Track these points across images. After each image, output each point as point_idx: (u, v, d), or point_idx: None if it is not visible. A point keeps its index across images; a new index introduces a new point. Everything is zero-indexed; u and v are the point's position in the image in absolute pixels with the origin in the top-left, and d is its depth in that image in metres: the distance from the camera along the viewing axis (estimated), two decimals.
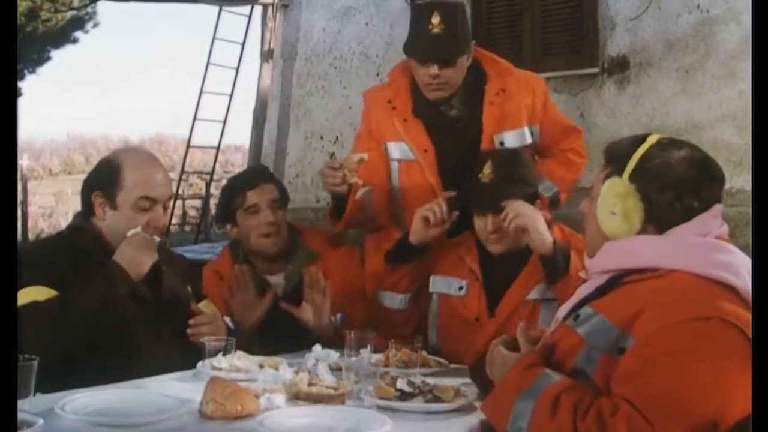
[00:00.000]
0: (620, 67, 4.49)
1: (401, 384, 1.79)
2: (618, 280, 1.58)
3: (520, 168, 2.51)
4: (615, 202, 1.58)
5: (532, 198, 2.48)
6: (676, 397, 1.37)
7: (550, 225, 2.47)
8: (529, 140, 2.78)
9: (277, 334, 2.47)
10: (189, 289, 2.40)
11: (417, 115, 2.75)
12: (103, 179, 2.20)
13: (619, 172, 1.60)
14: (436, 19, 2.58)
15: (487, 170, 2.46)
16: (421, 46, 2.67)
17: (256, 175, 2.72)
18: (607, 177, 1.63)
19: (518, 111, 2.74)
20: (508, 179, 2.44)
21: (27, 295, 2.01)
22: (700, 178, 1.58)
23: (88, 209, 2.23)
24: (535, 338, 1.70)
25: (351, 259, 2.77)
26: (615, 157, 1.65)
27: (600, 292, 1.58)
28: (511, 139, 2.74)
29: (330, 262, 2.66)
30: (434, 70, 2.62)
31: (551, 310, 2.34)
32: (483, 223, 2.44)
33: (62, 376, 1.86)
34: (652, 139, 1.64)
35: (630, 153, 1.61)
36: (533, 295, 2.41)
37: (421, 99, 2.74)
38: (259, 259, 2.66)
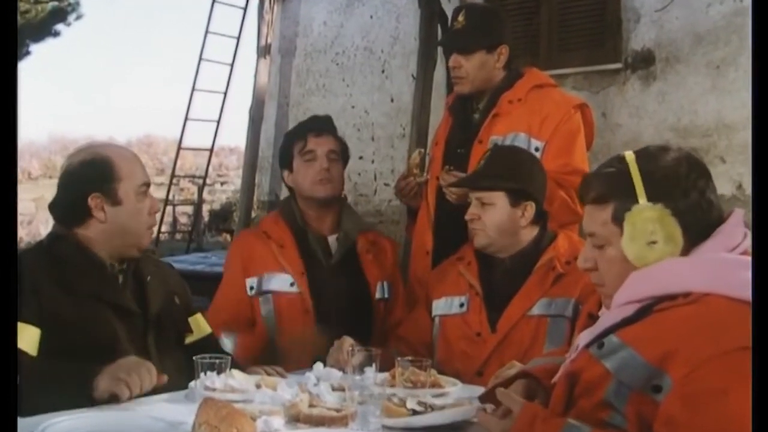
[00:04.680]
0: (645, 62, 4.48)
1: (411, 403, 1.77)
2: (647, 308, 1.55)
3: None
4: (653, 229, 1.55)
5: (517, 197, 2.46)
6: None
7: (556, 235, 2.51)
8: (530, 148, 2.81)
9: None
10: (177, 300, 2.40)
11: (451, 113, 3.13)
12: (98, 178, 2.21)
13: (631, 201, 1.57)
14: (461, 17, 3.01)
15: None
16: (445, 37, 3.20)
17: (320, 123, 2.96)
18: (616, 214, 1.59)
19: (522, 119, 2.86)
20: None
21: None
22: (702, 172, 1.60)
23: (82, 215, 2.21)
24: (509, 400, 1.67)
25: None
26: (610, 190, 1.61)
27: (627, 321, 1.55)
28: (508, 141, 2.84)
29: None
30: (452, 60, 2.98)
31: (557, 327, 2.38)
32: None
33: (43, 395, 1.83)
34: (630, 157, 1.62)
35: (625, 178, 1.58)
36: (536, 310, 2.42)
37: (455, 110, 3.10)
38: (312, 207, 2.87)
